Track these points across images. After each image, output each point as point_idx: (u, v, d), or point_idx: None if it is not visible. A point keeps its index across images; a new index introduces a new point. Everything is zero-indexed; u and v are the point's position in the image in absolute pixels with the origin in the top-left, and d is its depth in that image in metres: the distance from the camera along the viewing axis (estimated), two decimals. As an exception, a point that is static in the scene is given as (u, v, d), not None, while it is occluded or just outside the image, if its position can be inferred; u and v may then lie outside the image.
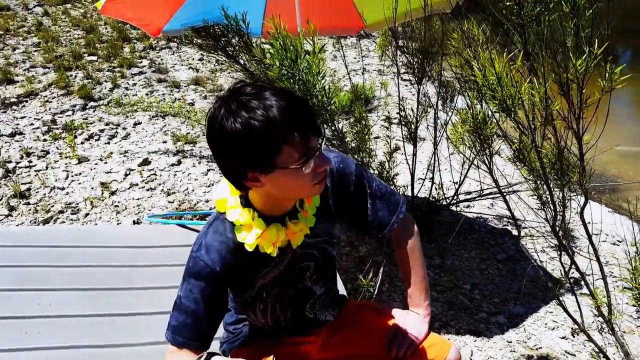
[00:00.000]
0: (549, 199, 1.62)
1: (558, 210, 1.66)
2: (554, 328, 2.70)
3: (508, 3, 1.38)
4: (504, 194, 2.12)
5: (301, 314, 1.49)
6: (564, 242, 1.75)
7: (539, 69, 1.40)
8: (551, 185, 1.57)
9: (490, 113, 1.67)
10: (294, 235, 1.28)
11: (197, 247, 1.26)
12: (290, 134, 1.06)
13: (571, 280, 2.66)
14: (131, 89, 5.86)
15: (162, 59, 6.81)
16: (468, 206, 3.87)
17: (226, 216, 1.25)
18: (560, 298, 2.84)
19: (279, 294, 1.39)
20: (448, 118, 2.96)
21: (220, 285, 1.27)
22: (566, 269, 2.03)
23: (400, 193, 3.64)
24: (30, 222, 3.51)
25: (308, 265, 1.40)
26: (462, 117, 1.67)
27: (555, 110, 1.40)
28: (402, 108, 2.97)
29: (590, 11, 1.27)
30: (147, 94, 5.78)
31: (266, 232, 1.23)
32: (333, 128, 2.41)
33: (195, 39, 3.13)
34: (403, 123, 3.03)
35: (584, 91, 1.35)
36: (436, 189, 3.45)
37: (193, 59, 6.95)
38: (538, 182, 1.58)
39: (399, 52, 2.95)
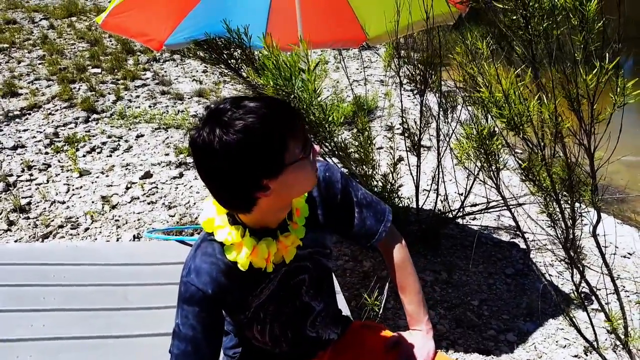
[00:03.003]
0: (560, 217, 1.55)
1: (569, 226, 1.59)
2: (565, 346, 2.62)
3: (514, 17, 1.33)
4: (511, 207, 2.05)
5: (302, 333, 1.45)
6: (575, 259, 1.68)
7: (548, 85, 1.34)
8: (562, 203, 1.51)
9: (495, 127, 1.61)
10: (286, 249, 1.25)
11: (187, 272, 1.22)
12: (288, 126, 1.06)
13: (582, 295, 2.58)
14: (134, 102, 5.84)
15: (165, 71, 6.79)
16: (474, 219, 3.80)
17: (214, 236, 1.21)
18: (572, 314, 2.76)
19: (275, 311, 1.35)
20: (451, 130, 2.90)
21: (215, 307, 1.24)
22: (577, 287, 1.96)
23: (405, 205, 3.59)
24: (30, 237, 3.46)
25: (303, 279, 1.37)
26: (467, 132, 1.61)
27: (565, 128, 1.34)
28: (404, 120, 2.91)
29: (600, 24, 1.21)
30: (150, 106, 5.74)
31: (257, 249, 1.20)
32: (332, 144, 2.35)
33: (198, 52, 3.10)
34: (406, 135, 2.97)
35: (594, 106, 1.29)
36: (441, 201, 3.38)
37: (197, 71, 6.92)
38: (548, 199, 1.52)
39: (401, 64, 2.89)
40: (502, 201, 3.23)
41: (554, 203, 1.53)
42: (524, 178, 1.52)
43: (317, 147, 1.17)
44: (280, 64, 1.93)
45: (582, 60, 1.26)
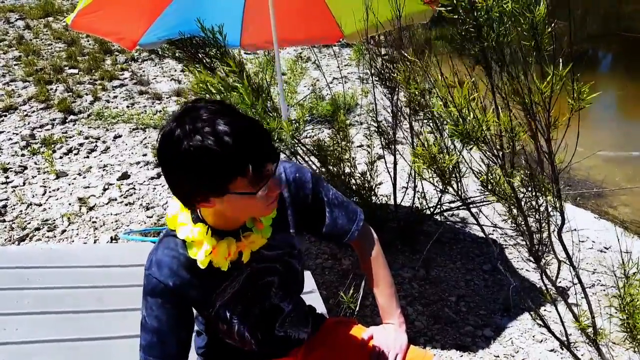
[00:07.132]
0: (524, 223, 1.57)
1: (533, 232, 1.61)
2: (541, 340, 2.65)
3: (465, 28, 1.32)
4: (479, 205, 2.06)
5: (271, 333, 1.45)
6: (542, 261, 1.70)
7: (502, 95, 1.35)
8: (525, 211, 1.52)
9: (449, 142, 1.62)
10: (245, 248, 1.25)
11: (149, 264, 1.24)
12: (243, 165, 1.04)
13: (559, 290, 2.61)
14: (112, 102, 5.78)
15: (143, 71, 6.74)
16: (452, 215, 3.83)
17: (177, 233, 1.21)
18: (547, 310, 2.79)
19: (243, 312, 1.36)
20: (421, 128, 2.91)
21: (177, 300, 1.24)
22: (547, 288, 1.99)
23: (384, 202, 3.60)
24: (6, 240, 3.42)
25: (272, 280, 1.37)
26: (418, 152, 1.59)
27: (524, 136, 1.35)
28: (376, 120, 2.93)
29: (549, 29, 1.22)
30: (128, 107, 5.70)
31: (217, 247, 1.20)
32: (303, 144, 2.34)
33: (176, 52, 3.08)
34: (379, 133, 2.99)
35: (553, 109, 1.31)
36: (419, 198, 3.40)
37: (175, 71, 6.88)
38: (511, 207, 1.53)
39: (371, 61, 2.90)
40: (478, 197, 3.26)
41: (517, 210, 1.54)
42: (483, 188, 1.53)
43: (278, 187, 1.15)
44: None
45: (533, 65, 1.27)
